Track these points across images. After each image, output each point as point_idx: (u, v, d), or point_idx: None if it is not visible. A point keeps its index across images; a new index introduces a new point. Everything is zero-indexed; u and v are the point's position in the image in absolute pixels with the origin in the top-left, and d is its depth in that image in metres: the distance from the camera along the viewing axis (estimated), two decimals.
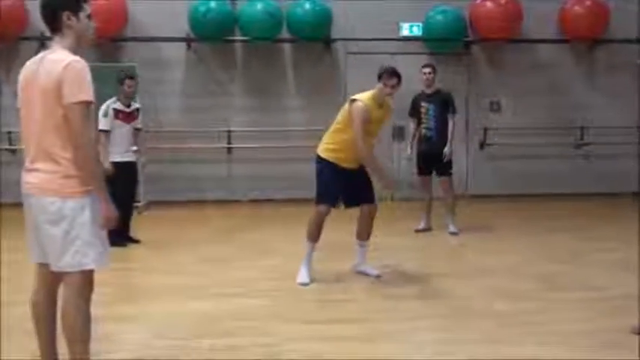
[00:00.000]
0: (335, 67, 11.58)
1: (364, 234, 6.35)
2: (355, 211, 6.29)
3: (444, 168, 8.45)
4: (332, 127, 6.19)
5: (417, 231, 8.50)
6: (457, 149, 8.59)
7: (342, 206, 6.28)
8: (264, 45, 11.24)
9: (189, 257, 7.29)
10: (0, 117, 10.16)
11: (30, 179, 3.51)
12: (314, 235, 6.14)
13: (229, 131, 11.26)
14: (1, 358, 4.17)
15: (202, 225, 9.29)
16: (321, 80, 11.40)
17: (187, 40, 11.11)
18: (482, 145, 11.85)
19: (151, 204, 10.23)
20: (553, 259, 7.13)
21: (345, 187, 6.08)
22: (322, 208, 6.06)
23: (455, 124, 8.50)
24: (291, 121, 11.41)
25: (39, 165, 3.47)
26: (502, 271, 6.62)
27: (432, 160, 8.43)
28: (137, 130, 7.92)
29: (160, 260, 7.14)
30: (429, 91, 8.49)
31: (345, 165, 6.06)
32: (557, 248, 7.69)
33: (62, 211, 3.43)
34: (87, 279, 3.56)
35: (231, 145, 11.32)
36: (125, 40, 11.03)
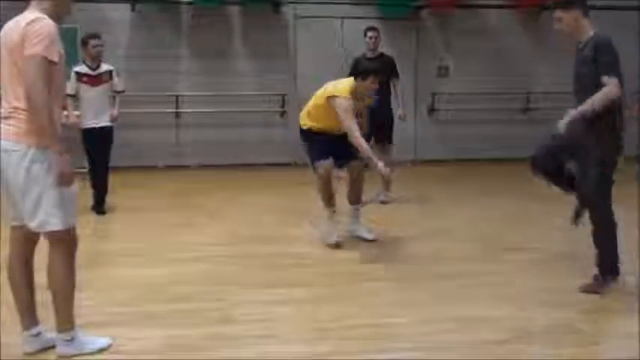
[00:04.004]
0: (284, 30, 11.46)
1: (353, 197, 6.31)
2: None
3: (384, 135, 8.16)
4: (311, 105, 6.23)
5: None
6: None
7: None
8: (211, 7, 11.04)
9: (138, 223, 7.19)
10: None
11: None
12: (326, 201, 6.17)
13: (177, 96, 11.08)
14: None
15: (150, 191, 9.17)
16: (270, 44, 11.26)
17: (132, 1, 10.83)
18: (430, 111, 11.94)
19: None
20: (502, 221, 7.27)
21: (334, 147, 6.03)
22: (320, 170, 6.02)
23: (402, 89, 8.33)
24: (239, 85, 11.28)
25: (11, 115, 3.52)
26: (450, 234, 6.71)
27: (371, 128, 8.10)
28: (116, 93, 7.68)
29: (109, 226, 7.02)
30: (371, 55, 8.15)
31: (329, 131, 6.07)
32: (505, 211, 7.83)
33: (30, 169, 3.47)
34: (70, 234, 3.64)
35: (179, 110, 11.15)
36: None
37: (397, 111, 8.25)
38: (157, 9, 11.02)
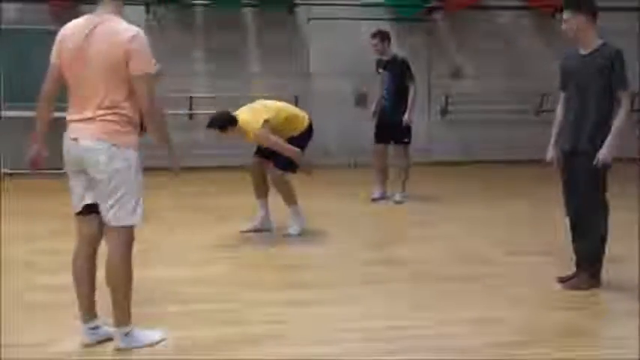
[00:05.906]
0: (297, 32, 11.49)
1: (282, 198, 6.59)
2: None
3: (399, 136, 8.35)
4: None
5: (374, 199, 8.46)
6: (418, 116, 8.55)
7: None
8: (225, 9, 11.08)
9: (152, 225, 7.21)
10: None
11: (83, 128, 3.69)
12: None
13: (191, 97, 11.13)
14: None
15: (163, 192, 9.20)
16: (283, 46, 11.31)
17: (146, 3, 10.90)
18: (443, 112, 11.91)
19: None
20: (512, 223, 7.26)
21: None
22: None
23: (415, 91, 8.34)
24: (253, 87, 11.31)
25: (96, 117, 3.68)
26: (462, 236, 6.72)
27: (387, 129, 8.36)
28: None
29: None
30: (384, 58, 8.41)
31: None
32: (516, 213, 7.82)
33: (113, 164, 3.65)
34: (131, 232, 3.85)
35: (192, 112, 11.20)
36: (82, 1, 10.74)
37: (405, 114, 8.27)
38: (172, 11, 11.08)
